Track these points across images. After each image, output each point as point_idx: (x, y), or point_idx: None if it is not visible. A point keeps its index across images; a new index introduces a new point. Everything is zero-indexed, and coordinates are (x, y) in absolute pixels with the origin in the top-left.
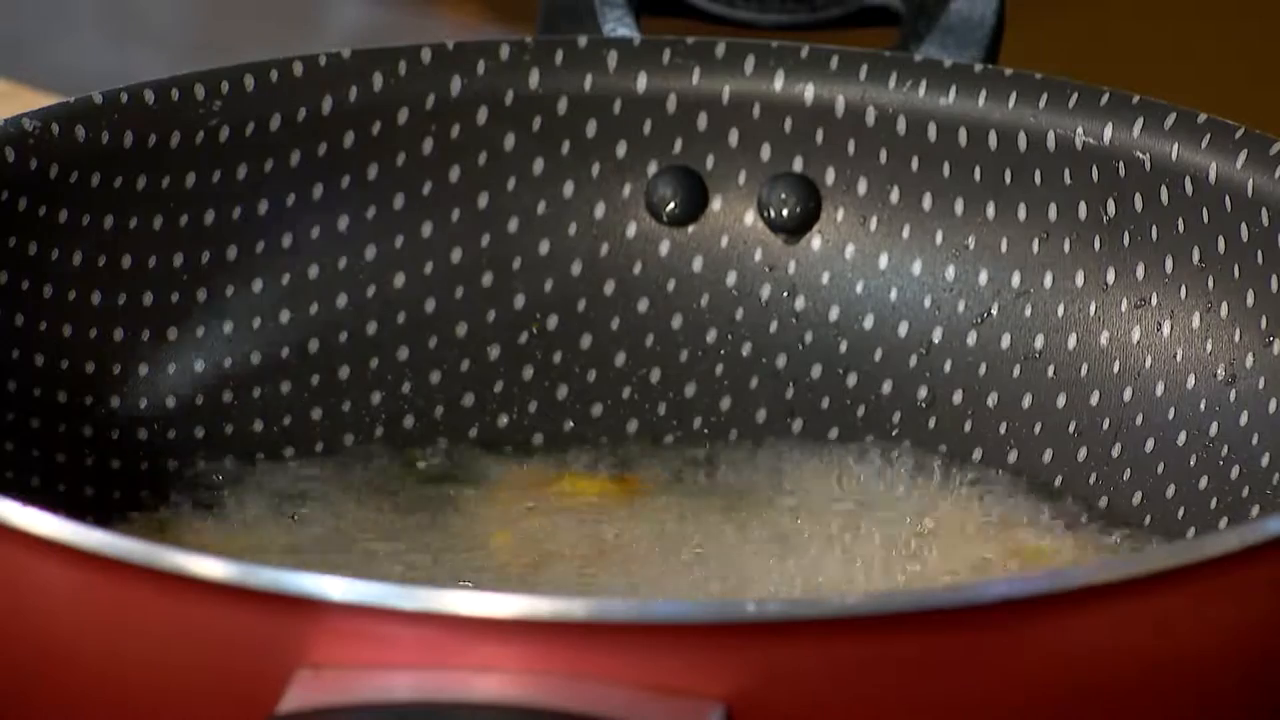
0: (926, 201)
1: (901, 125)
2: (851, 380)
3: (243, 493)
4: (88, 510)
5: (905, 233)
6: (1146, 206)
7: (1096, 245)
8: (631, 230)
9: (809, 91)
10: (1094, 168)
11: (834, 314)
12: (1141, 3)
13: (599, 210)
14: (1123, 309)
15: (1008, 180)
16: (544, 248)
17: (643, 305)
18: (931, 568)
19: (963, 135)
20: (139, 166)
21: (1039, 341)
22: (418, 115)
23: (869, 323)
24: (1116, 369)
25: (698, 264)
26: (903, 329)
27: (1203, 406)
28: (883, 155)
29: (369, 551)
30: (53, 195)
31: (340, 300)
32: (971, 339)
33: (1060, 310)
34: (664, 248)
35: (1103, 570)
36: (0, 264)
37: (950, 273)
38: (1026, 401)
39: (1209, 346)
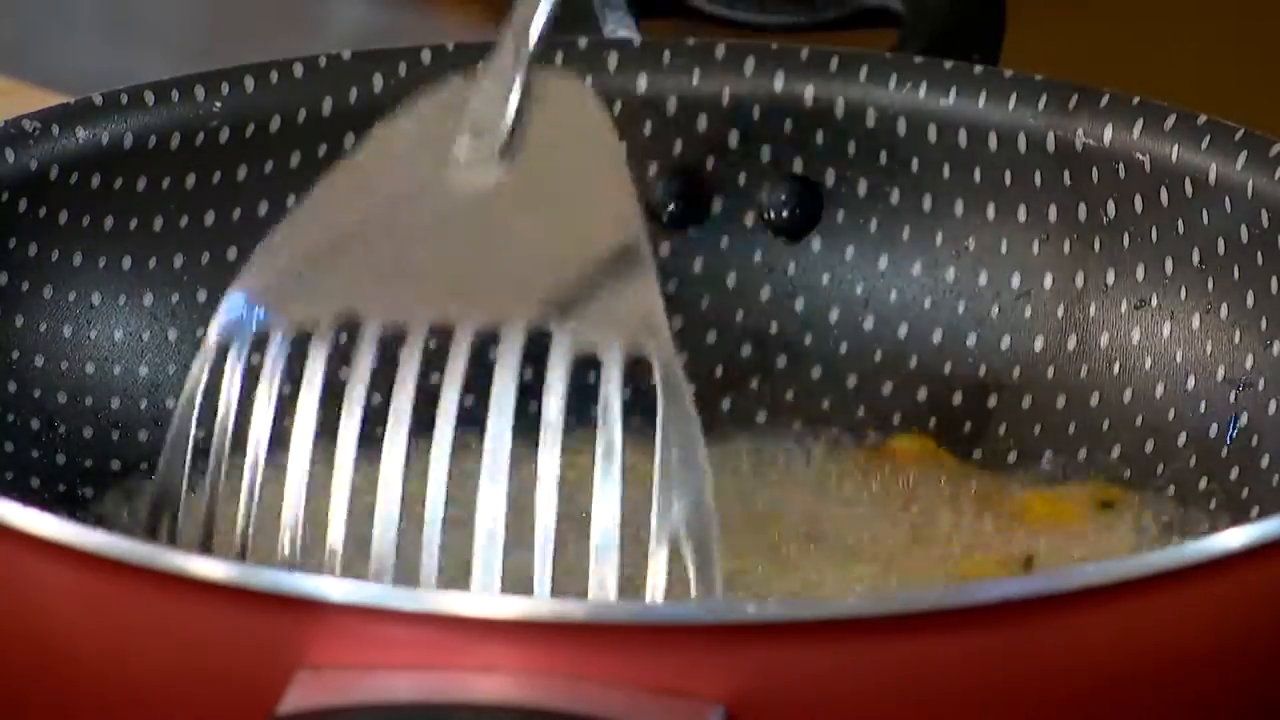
0: (926, 202)
1: (902, 126)
2: (851, 381)
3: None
4: (87, 511)
5: (905, 234)
6: (1147, 208)
7: (1096, 246)
8: None
9: (809, 93)
10: (1094, 169)
11: (834, 315)
12: (1142, 3)
13: None
14: (1122, 310)
15: (1008, 181)
16: None
17: None
18: (931, 569)
19: (963, 136)
20: (139, 166)
21: (1039, 343)
22: None
23: (869, 324)
24: (1116, 370)
25: (698, 265)
26: (903, 330)
27: (1202, 407)
28: (883, 156)
29: None
30: (53, 195)
31: None
32: (971, 340)
33: (1060, 311)
34: (664, 249)
35: (1103, 570)
36: (0, 264)
37: (950, 274)
38: (1026, 403)
39: (1209, 348)
